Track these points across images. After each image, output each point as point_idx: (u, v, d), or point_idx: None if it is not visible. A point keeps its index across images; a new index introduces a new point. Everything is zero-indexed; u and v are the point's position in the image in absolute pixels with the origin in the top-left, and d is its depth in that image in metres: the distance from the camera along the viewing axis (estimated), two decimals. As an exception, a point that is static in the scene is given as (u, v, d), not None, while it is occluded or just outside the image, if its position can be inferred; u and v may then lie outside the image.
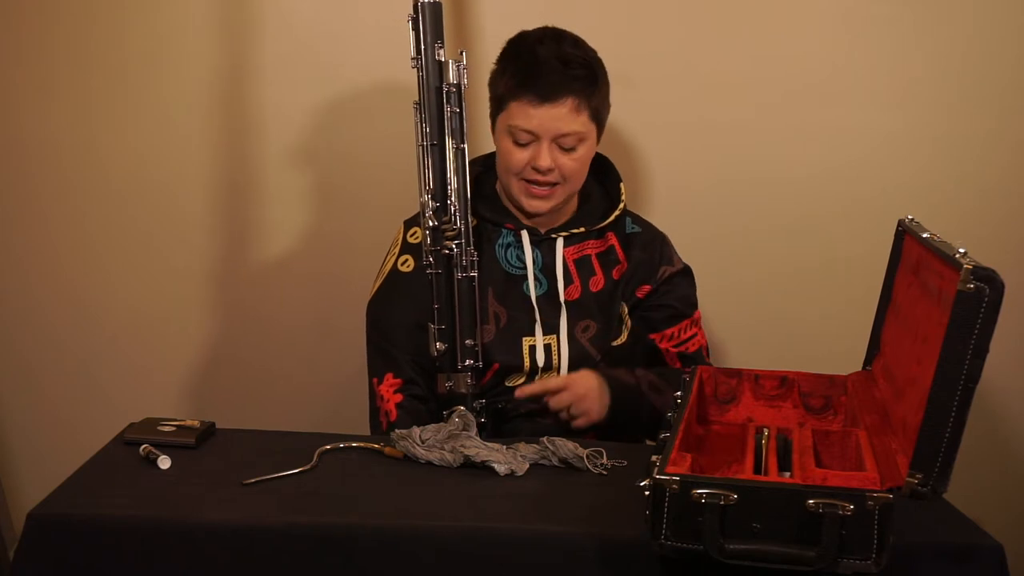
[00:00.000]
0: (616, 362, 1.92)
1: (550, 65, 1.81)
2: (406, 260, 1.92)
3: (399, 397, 1.86)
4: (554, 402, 1.82)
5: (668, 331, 1.96)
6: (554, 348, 1.88)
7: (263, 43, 2.28)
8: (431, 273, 1.80)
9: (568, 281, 1.91)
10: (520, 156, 1.84)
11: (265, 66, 2.29)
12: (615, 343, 1.92)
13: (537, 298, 1.89)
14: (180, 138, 2.32)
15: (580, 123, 1.83)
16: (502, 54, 1.89)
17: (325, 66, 2.29)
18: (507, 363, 1.87)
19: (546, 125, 1.81)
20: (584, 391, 1.82)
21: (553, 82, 1.80)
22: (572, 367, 1.88)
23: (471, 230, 1.81)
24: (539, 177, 1.84)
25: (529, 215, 1.91)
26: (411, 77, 1.77)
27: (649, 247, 1.97)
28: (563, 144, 1.83)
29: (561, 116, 1.81)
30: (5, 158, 2.35)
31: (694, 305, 2.00)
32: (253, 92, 2.30)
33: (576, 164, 1.86)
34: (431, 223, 1.79)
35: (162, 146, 2.33)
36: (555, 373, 1.88)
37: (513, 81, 1.83)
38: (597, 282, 1.93)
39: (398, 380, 1.87)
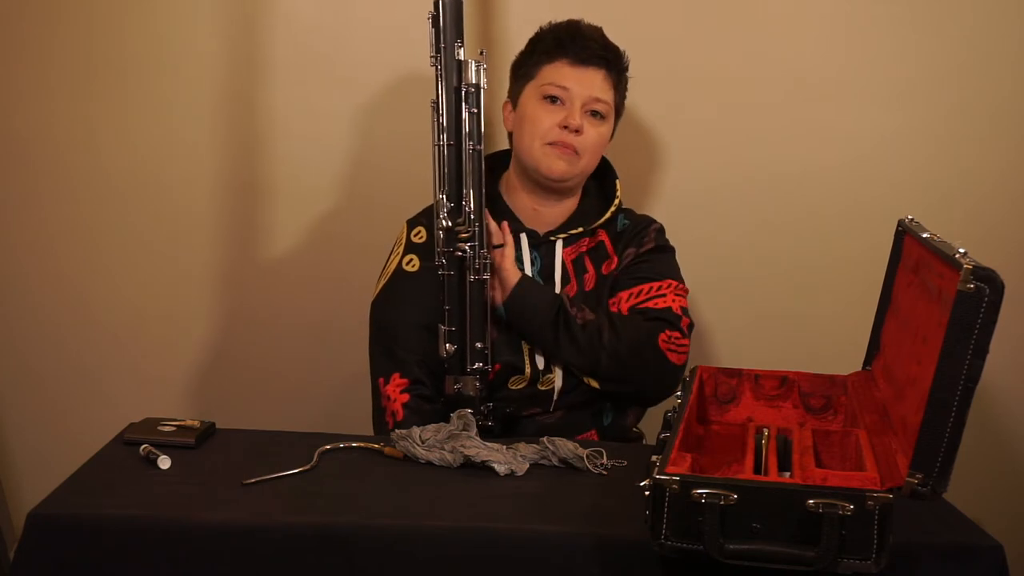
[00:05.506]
0: None
1: (590, 35, 1.87)
2: (411, 260, 1.91)
3: (405, 397, 1.86)
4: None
5: (624, 293, 1.89)
6: None
7: (266, 43, 2.28)
8: (443, 274, 1.79)
9: (565, 281, 1.91)
10: (550, 118, 1.85)
11: (268, 66, 2.29)
12: None
13: None
14: (181, 138, 2.32)
15: (609, 96, 1.88)
16: (534, 36, 1.92)
17: (328, 66, 2.29)
18: (509, 364, 1.87)
19: (580, 86, 1.85)
20: (511, 261, 1.84)
21: (592, 49, 1.85)
22: (568, 370, 1.87)
23: (485, 232, 1.81)
24: (566, 137, 1.84)
25: (549, 188, 1.90)
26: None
27: (633, 240, 1.95)
28: (594, 108, 1.86)
29: (595, 81, 1.86)
30: (6, 158, 2.35)
31: (668, 277, 1.90)
32: (255, 92, 2.30)
33: (598, 139, 1.88)
34: (445, 223, 1.78)
35: (164, 146, 2.33)
36: (553, 376, 1.87)
37: (551, 45, 1.87)
38: (590, 280, 1.92)
39: (405, 380, 1.87)
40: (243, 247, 2.37)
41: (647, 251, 1.93)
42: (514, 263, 1.85)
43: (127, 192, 2.35)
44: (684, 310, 1.88)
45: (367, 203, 2.34)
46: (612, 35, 1.92)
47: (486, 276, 1.80)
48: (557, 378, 1.87)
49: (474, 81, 1.75)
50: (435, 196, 1.79)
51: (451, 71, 1.75)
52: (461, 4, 1.74)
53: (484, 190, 1.80)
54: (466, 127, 1.76)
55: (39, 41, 2.29)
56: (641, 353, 1.81)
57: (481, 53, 1.77)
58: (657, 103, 2.28)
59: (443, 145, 1.77)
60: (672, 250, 1.97)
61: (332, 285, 2.37)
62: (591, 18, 1.92)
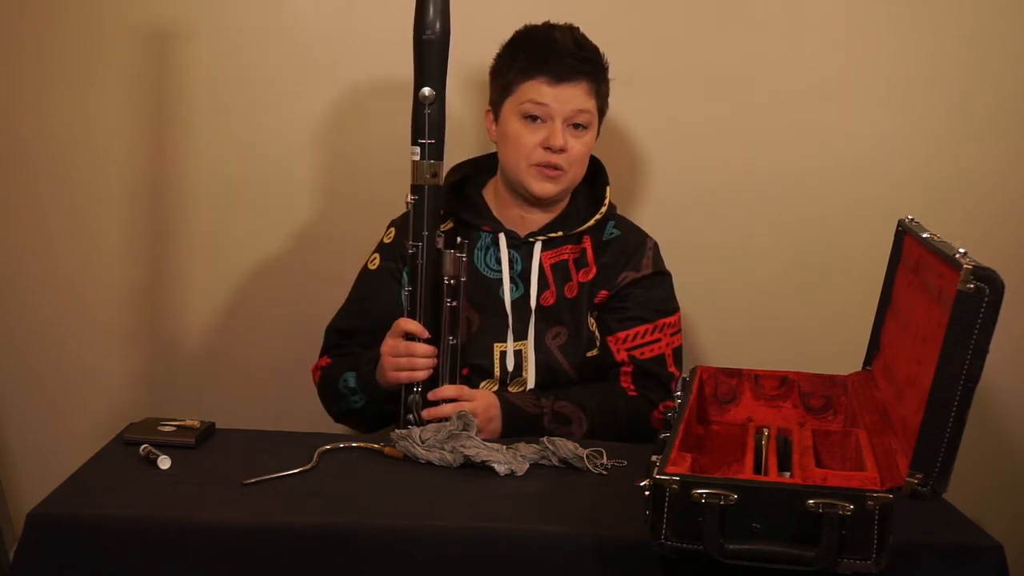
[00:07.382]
0: (588, 373, 1.90)
1: (565, 47, 1.83)
2: (375, 258, 1.97)
3: (325, 360, 1.93)
4: (448, 409, 1.72)
5: (622, 334, 1.90)
6: (524, 354, 1.87)
7: (262, 43, 2.28)
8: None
9: (544, 286, 1.89)
10: (532, 137, 1.84)
11: (268, 67, 2.29)
12: (589, 354, 1.90)
13: (512, 302, 1.88)
14: (182, 138, 2.32)
15: (591, 104, 1.86)
16: (510, 41, 1.90)
17: (329, 67, 2.29)
18: (478, 367, 1.86)
19: (560, 104, 1.83)
20: (481, 410, 1.73)
21: (568, 64, 1.83)
22: (539, 374, 1.86)
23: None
24: (551, 158, 1.83)
25: (537, 203, 1.90)
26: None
27: (621, 253, 1.93)
28: (576, 121, 1.84)
29: (575, 96, 1.84)
30: (6, 158, 2.34)
31: (663, 311, 1.92)
32: (253, 92, 2.30)
33: (584, 149, 1.87)
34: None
35: (163, 146, 2.33)
36: (525, 377, 1.86)
37: (526, 62, 1.84)
38: (572, 288, 1.91)
39: (327, 357, 1.95)
40: (245, 246, 2.37)
41: (644, 277, 1.92)
42: (478, 398, 1.77)
43: (126, 191, 2.35)
44: (677, 353, 1.91)
45: (369, 203, 2.33)
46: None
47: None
48: (530, 379, 1.86)
49: (453, 273, 1.75)
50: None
51: (430, 261, 1.75)
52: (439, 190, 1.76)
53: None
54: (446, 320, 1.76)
55: (39, 41, 2.29)
56: (636, 430, 1.83)
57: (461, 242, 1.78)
58: (657, 103, 2.28)
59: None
60: (669, 275, 1.96)
61: (334, 285, 2.36)
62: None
